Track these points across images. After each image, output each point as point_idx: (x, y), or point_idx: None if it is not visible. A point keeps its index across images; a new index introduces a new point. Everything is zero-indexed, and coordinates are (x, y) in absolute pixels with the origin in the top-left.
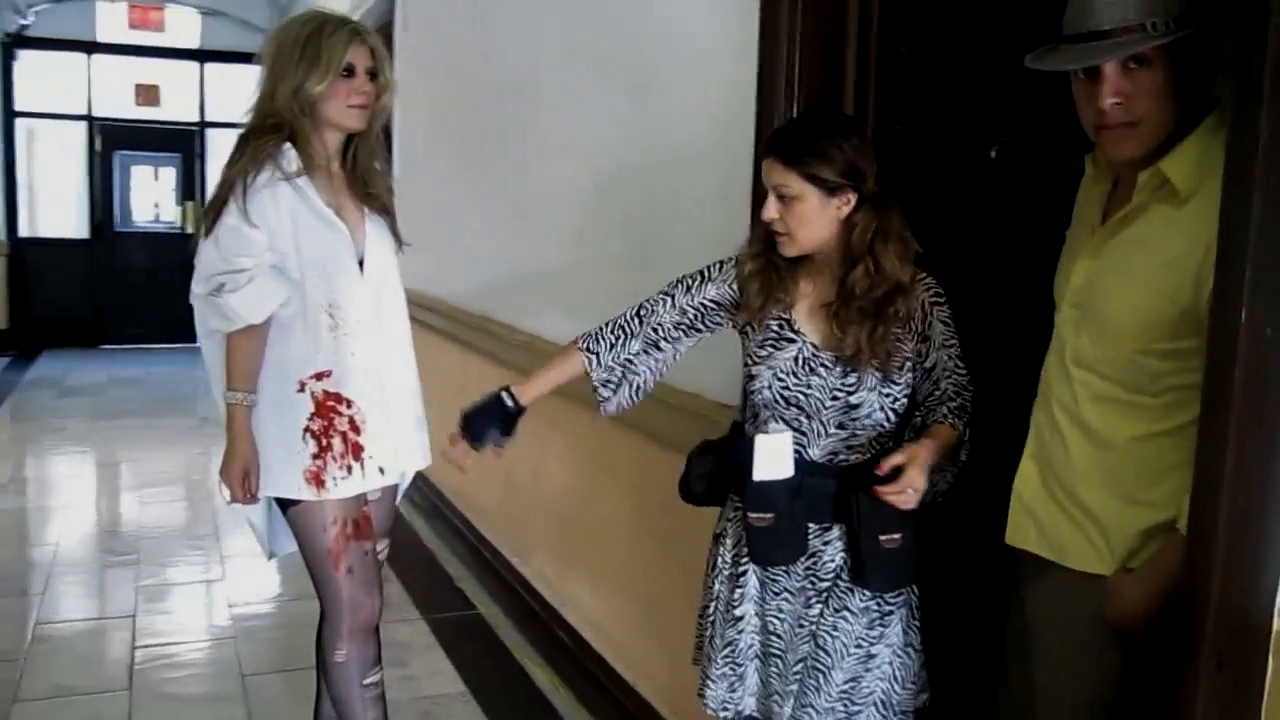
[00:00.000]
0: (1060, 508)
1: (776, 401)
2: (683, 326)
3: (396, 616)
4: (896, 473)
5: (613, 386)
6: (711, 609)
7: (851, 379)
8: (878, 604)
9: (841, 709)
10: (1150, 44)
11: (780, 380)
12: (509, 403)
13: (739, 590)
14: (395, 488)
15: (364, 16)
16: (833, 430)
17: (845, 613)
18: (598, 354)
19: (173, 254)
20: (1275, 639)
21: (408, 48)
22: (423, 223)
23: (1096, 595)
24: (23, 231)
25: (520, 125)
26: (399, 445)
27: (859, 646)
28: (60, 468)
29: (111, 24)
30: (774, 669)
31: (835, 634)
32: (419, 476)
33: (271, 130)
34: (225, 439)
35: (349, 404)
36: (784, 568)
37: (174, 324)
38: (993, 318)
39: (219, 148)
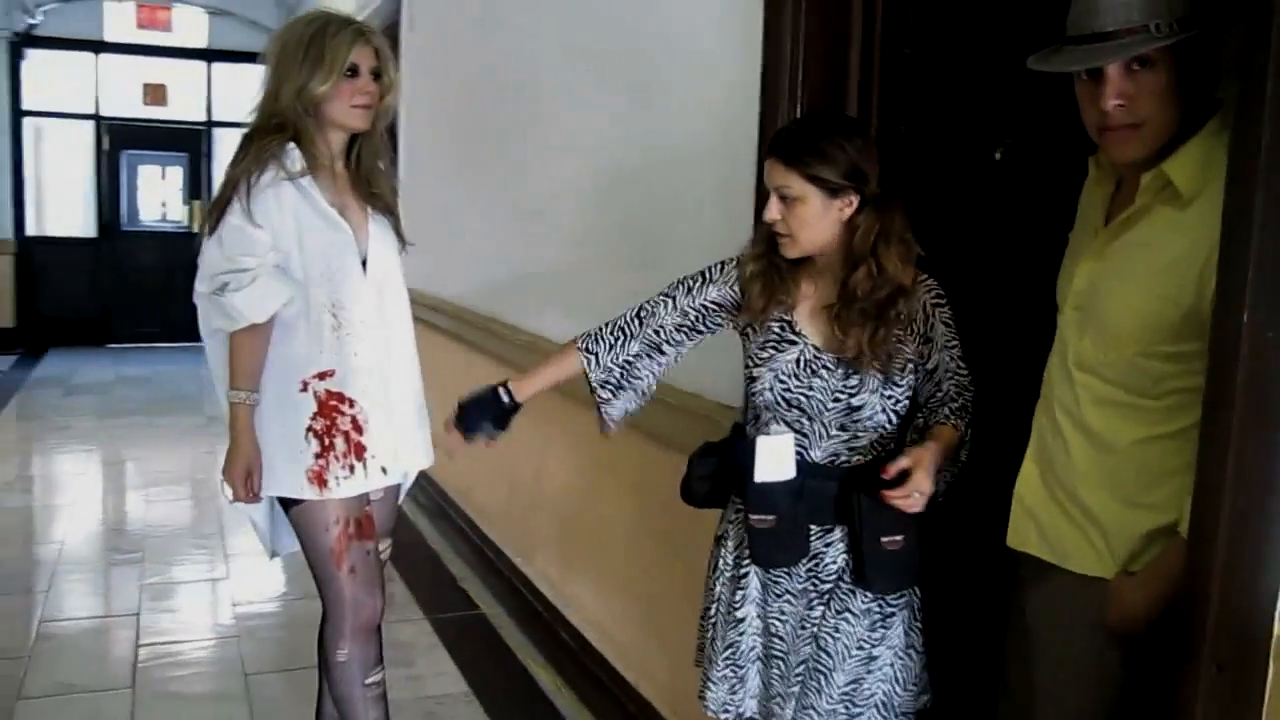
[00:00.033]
0: (1061, 510)
1: (778, 403)
2: (684, 328)
3: (400, 616)
4: (903, 476)
5: (612, 387)
6: (713, 611)
7: (853, 381)
8: (879, 606)
9: (843, 711)
10: (1154, 45)
11: (782, 382)
12: (505, 398)
13: (741, 592)
14: (398, 487)
15: (370, 17)
16: (834, 432)
17: (847, 614)
18: (596, 354)
19: (179, 253)
20: (1276, 643)
21: (414, 48)
22: (428, 222)
23: (1097, 598)
24: (30, 230)
25: (523, 125)
26: (401, 445)
27: (860, 648)
28: (66, 466)
29: (119, 23)
30: (776, 671)
31: (837, 636)
32: (423, 476)
33: (275, 130)
34: (228, 438)
35: (352, 404)
36: (786, 569)
37: (180, 323)
38: (996, 320)
39: (226, 147)
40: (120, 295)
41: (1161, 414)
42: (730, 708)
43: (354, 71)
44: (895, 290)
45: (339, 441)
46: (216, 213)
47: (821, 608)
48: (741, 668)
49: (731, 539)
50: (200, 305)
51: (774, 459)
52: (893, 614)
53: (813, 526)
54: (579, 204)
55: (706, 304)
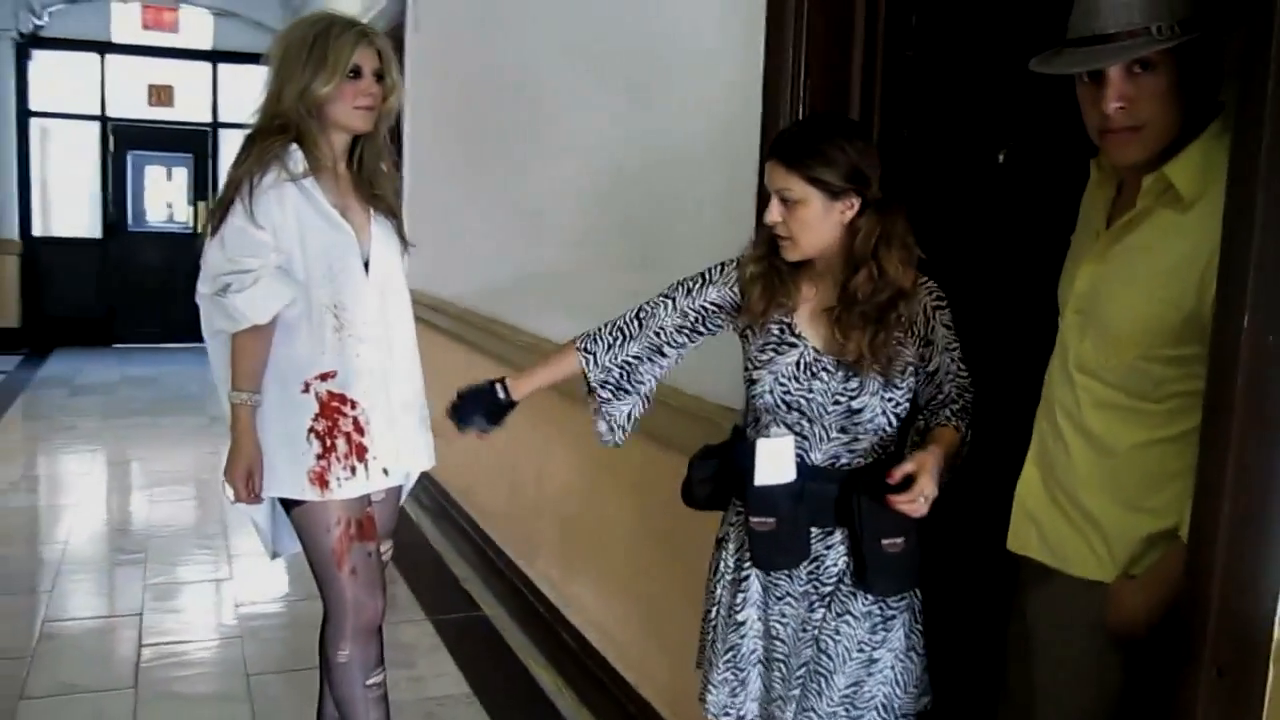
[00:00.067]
0: (1062, 514)
1: (778, 406)
2: (684, 329)
3: (403, 617)
4: (908, 481)
5: (611, 388)
6: (713, 614)
7: (853, 383)
8: (880, 608)
9: (843, 713)
10: (1155, 48)
11: (782, 385)
12: (501, 394)
13: (741, 595)
14: (399, 489)
15: (375, 18)
16: (834, 434)
17: (848, 617)
18: (594, 354)
19: (185, 254)
20: (1276, 646)
21: (418, 50)
22: (430, 223)
23: (1098, 602)
24: (36, 231)
25: (525, 125)
26: (403, 446)
27: (861, 651)
28: (70, 466)
29: (125, 25)
30: (777, 674)
31: (837, 638)
32: (426, 477)
33: (278, 131)
34: (230, 439)
35: (353, 405)
36: (786, 572)
37: (185, 323)
38: (998, 322)
39: (231, 148)
40: (125, 296)
41: (1162, 417)
42: (731, 710)
43: (357, 73)
44: (896, 293)
45: (340, 443)
46: (219, 214)
47: (822, 610)
48: (742, 670)
49: (732, 541)
50: (202, 306)
51: (774, 462)
52: (893, 616)
53: (813, 529)
54: (580, 204)
55: (706, 305)
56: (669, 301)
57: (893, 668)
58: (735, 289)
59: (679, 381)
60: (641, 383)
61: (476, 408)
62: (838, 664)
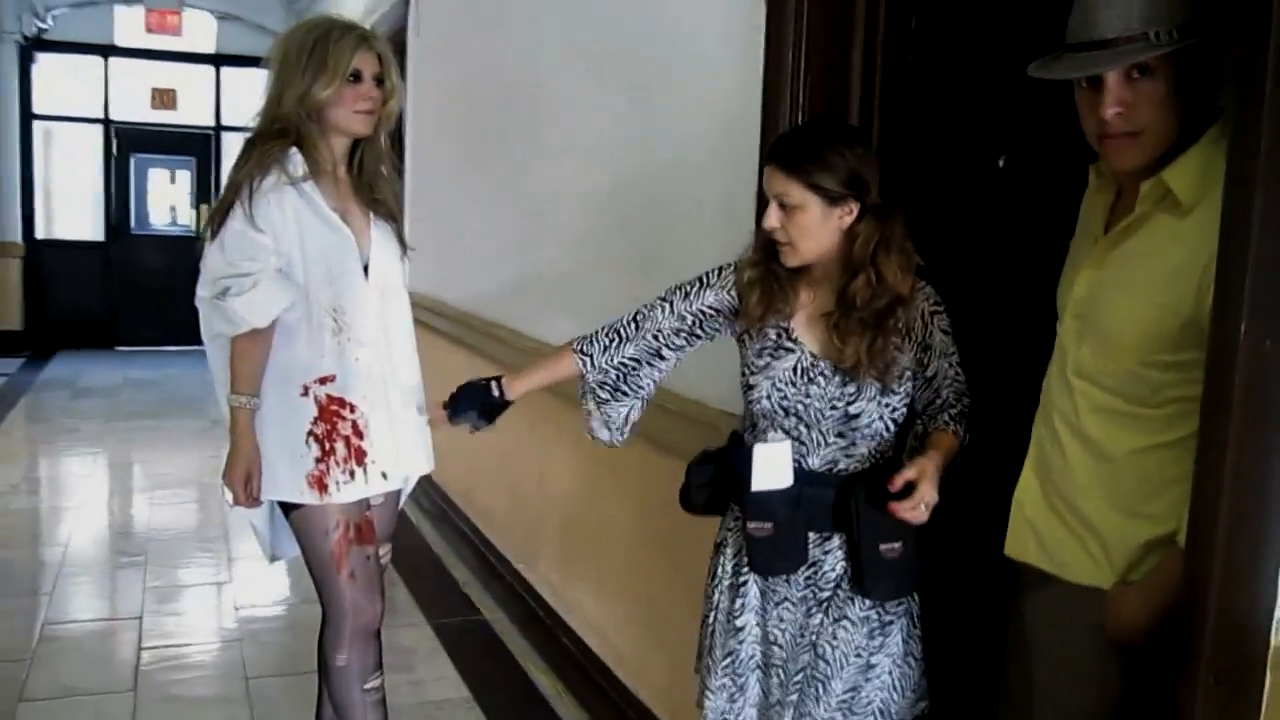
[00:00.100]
0: (1060, 520)
1: (775, 411)
2: (681, 333)
3: (403, 621)
4: (909, 488)
5: (609, 388)
6: (711, 619)
7: (850, 389)
8: (878, 613)
9: (840, 718)
10: (1153, 53)
11: (779, 390)
12: (495, 392)
13: (740, 600)
14: (398, 492)
15: (378, 22)
16: (832, 439)
17: (845, 622)
18: (591, 356)
19: (187, 257)
20: (1273, 654)
21: (420, 54)
22: (432, 226)
23: (1096, 608)
24: (39, 233)
25: (526, 128)
26: (402, 450)
27: (858, 656)
28: (72, 468)
29: (129, 28)
30: (775, 679)
31: (835, 643)
32: (427, 480)
33: (278, 135)
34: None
35: (352, 408)
36: (784, 577)
37: (188, 326)
38: (997, 328)
39: (235, 151)
40: (128, 298)
41: (1160, 423)
42: (729, 716)
43: (357, 77)
44: (894, 299)
45: (339, 446)
46: (219, 217)
47: (820, 615)
48: (741, 676)
49: (730, 546)
50: (202, 310)
51: (771, 467)
52: (891, 622)
53: (811, 534)
54: (580, 206)
55: (704, 309)
56: (666, 305)
57: (890, 673)
58: (732, 293)
59: (679, 386)
60: (640, 386)
61: (471, 403)
62: (835, 669)
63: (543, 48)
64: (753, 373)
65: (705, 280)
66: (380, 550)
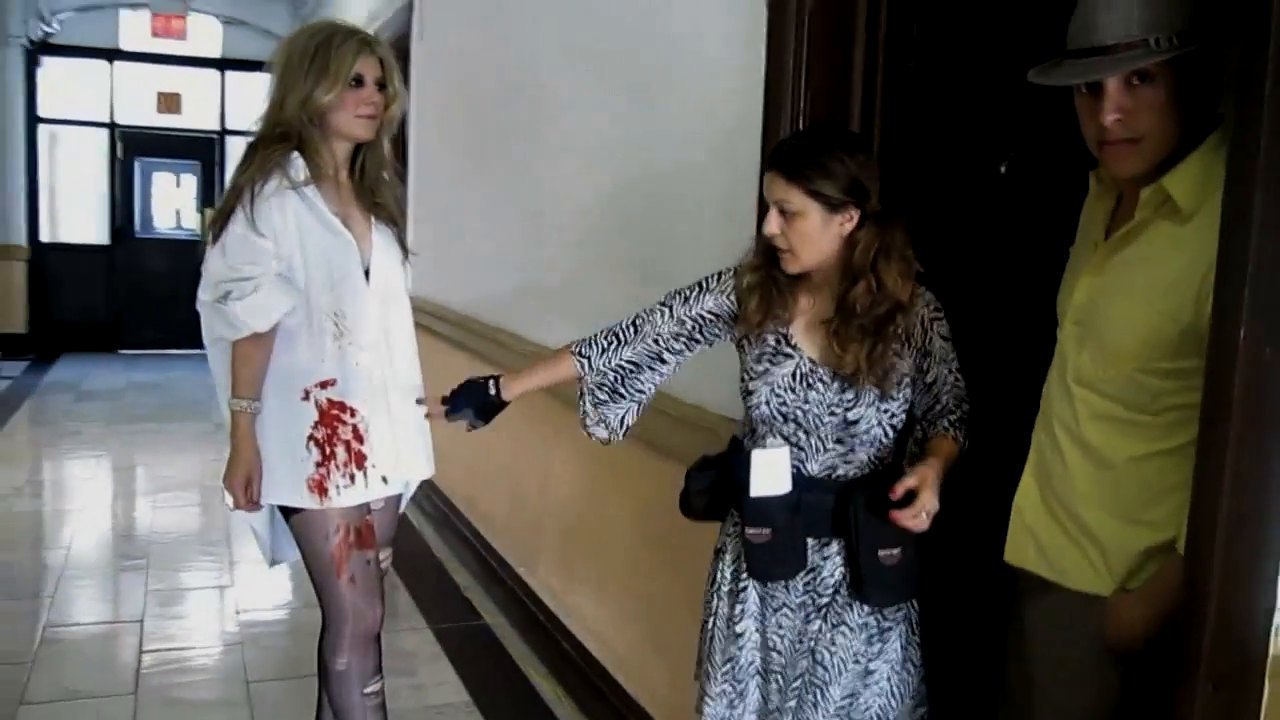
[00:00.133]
0: (1060, 527)
1: (774, 417)
2: (681, 337)
3: (404, 625)
4: (910, 496)
5: (607, 390)
6: (710, 625)
7: (849, 395)
8: (876, 619)
9: None
10: (1153, 60)
11: (778, 396)
12: (492, 391)
13: (739, 606)
14: (399, 497)
15: (382, 27)
16: (831, 445)
17: (843, 628)
18: (589, 358)
19: (192, 261)
20: (1272, 662)
21: (423, 58)
22: (435, 229)
23: (1096, 615)
24: (44, 236)
25: (528, 130)
26: (402, 454)
27: (857, 662)
28: (75, 471)
29: (134, 32)
30: (774, 685)
31: (833, 649)
32: (429, 485)
33: (280, 139)
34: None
35: (353, 413)
36: (783, 583)
37: (192, 330)
38: (998, 334)
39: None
40: (132, 302)
41: (1160, 430)
42: None
43: (359, 81)
44: (894, 306)
45: (340, 450)
46: (220, 221)
47: (819, 621)
48: (741, 682)
49: (729, 552)
50: (203, 313)
51: (769, 472)
52: (890, 628)
53: (810, 540)
54: (582, 209)
55: (703, 314)
56: (666, 310)
57: (889, 679)
58: (732, 298)
59: (679, 391)
60: (638, 389)
61: (468, 401)
62: (833, 675)
63: (544, 52)
64: (752, 378)
65: (705, 285)
66: (380, 554)
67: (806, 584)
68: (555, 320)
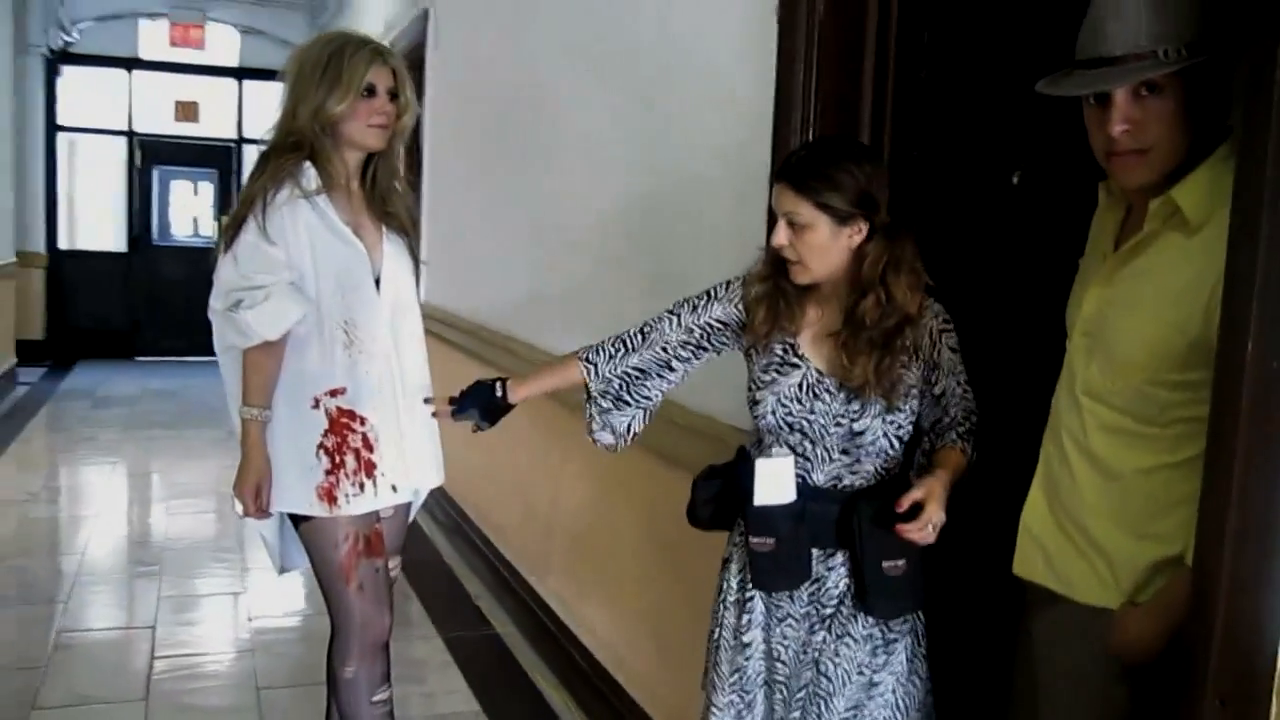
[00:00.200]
0: (1068, 539)
1: (780, 427)
2: (689, 345)
3: (415, 633)
4: (916, 508)
5: (611, 397)
6: (717, 635)
7: (855, 406)
8: (881, 631)
9: None
10: (1161, 71)
11: (784, 405)
12: (498, 393)
13: (746, 616)
14: (408, 505)
15: (398, 37)
16: (836, 456)
17: (847, 639)
18: (596, 364)
19: (209, 268)
20: (1279, 678)
21: (439, 67)
22: (449, 239)
23: (1104, 628)
24: (62, 244)
25: (541, 142)
26: (412, 463)
27: (861, 674)
28: (91, 477)
29: (153, 41)
30: (779, 696)
31: (837, 660)
32: (442, 494)
33: (292, 148)
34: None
35: (363, 421)
36: (788, 593)
37: (209, 337)
38: (1008, 346)
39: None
40: (150, 309)
41: (1168, 443)
42: None
43: (371, 91)
44: (903, 319)
45: (349, 459)
46: (232, 230)
47: (823, 632)
48: (749, 693)
49: (736, 562)
50: (215, 322)
51: (773, 482)
52: (895, 640)
53: (814, 550)
54: (594, 220)
55: (711, 322)
56: (674, 318)
57: (894, 691)
58: (740, 307)
59: (689, 400)
60: (646, 396)
61: (475, 401)
62: (837, 686)
63: (557, 62)
64: (759, 387)
65: (713, 294)
66: (390, 563)
67: (811, 594)
68: (565, 328)
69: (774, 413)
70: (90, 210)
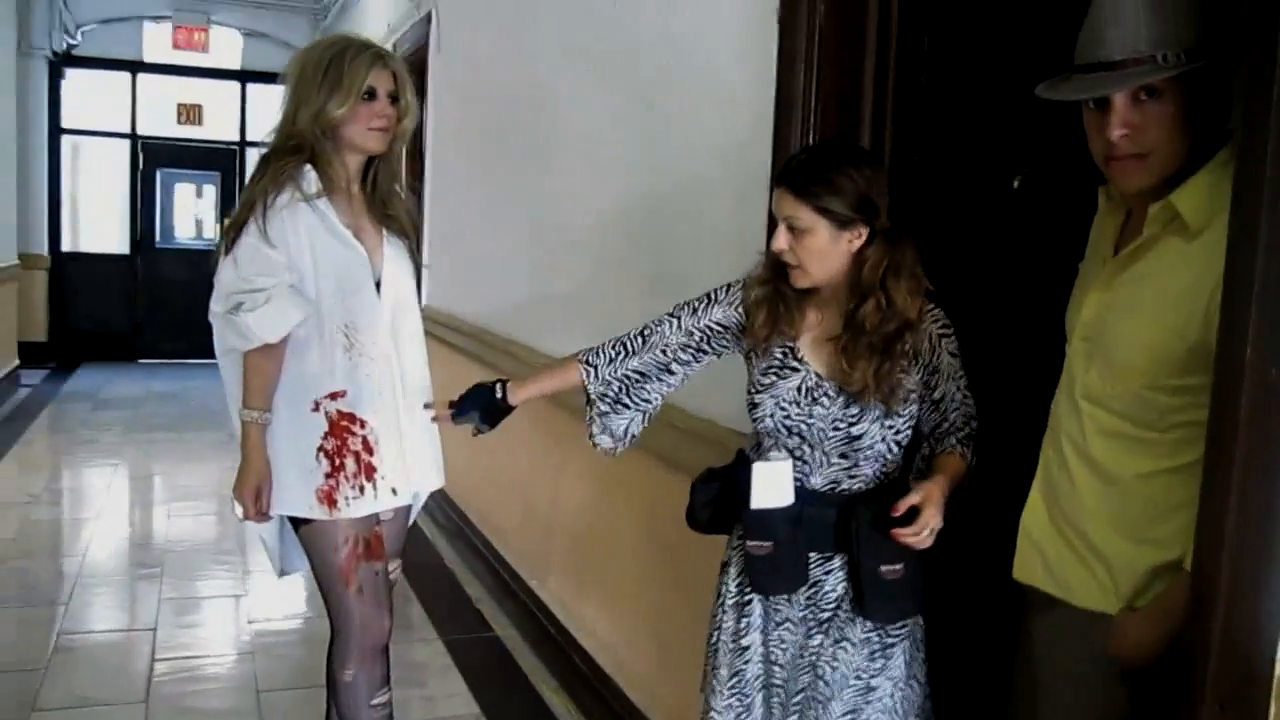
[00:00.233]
0: (1067, 543)
1: (778, 430)
2: (689, 348)
3: (416, 636)
4: (912, 513)
5: (610, 400)
6: (715, 639)
7: (854, 410)
8: (879, 635)
9: None
10: (1160, 76)
11: (783, 409)
12: (498, 394)
13: (745, 620)
14: (408, 508)
15: (400, 40)
16: (835, 460)
17: (845, 643)
18: (596, 367)
19: (211, 271)
20: (1278, 683)
21: (441, 72)
22: (451, 242)
23: (1103, 633)
24: (65, 246)
25: (542, 145)
26: (412, 466)
27: (859, 678)
28: (93, 479)
29: (157, 44)
30: (776, 699)
31: (834, 665)
32: (442, 497)
33: (292, 151)
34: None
35: (363, 424)
36: (786, 597)
37: (210, 340)
38: (1008, 350)
39: None
40: (152, 311)
41: (1168, 447)
42: None
43: (371, 94)
44: (903, 324)
45: (349, 462)
46: (233, 233)
47: (820, 636)
48: (748, 696)
49: (735, 566)
50: (215, 324)
51: (771, 485)
52: (893, 644)
53: (812, 554)
54: (595, 223)
55: (711, 325)
56: (674, 320)
57: (892, 696)
58: (740, 310)
59: (689, 404)
60: (645, 399)
61: (475, 404)
62: (834, 690)
63: (559, 66)
64: (758, 391)
65: (713, 297)
66: (389, 566)
67: (808, 598)
68: (565, 329)
69: (773, 416)
70: (93, 213)
